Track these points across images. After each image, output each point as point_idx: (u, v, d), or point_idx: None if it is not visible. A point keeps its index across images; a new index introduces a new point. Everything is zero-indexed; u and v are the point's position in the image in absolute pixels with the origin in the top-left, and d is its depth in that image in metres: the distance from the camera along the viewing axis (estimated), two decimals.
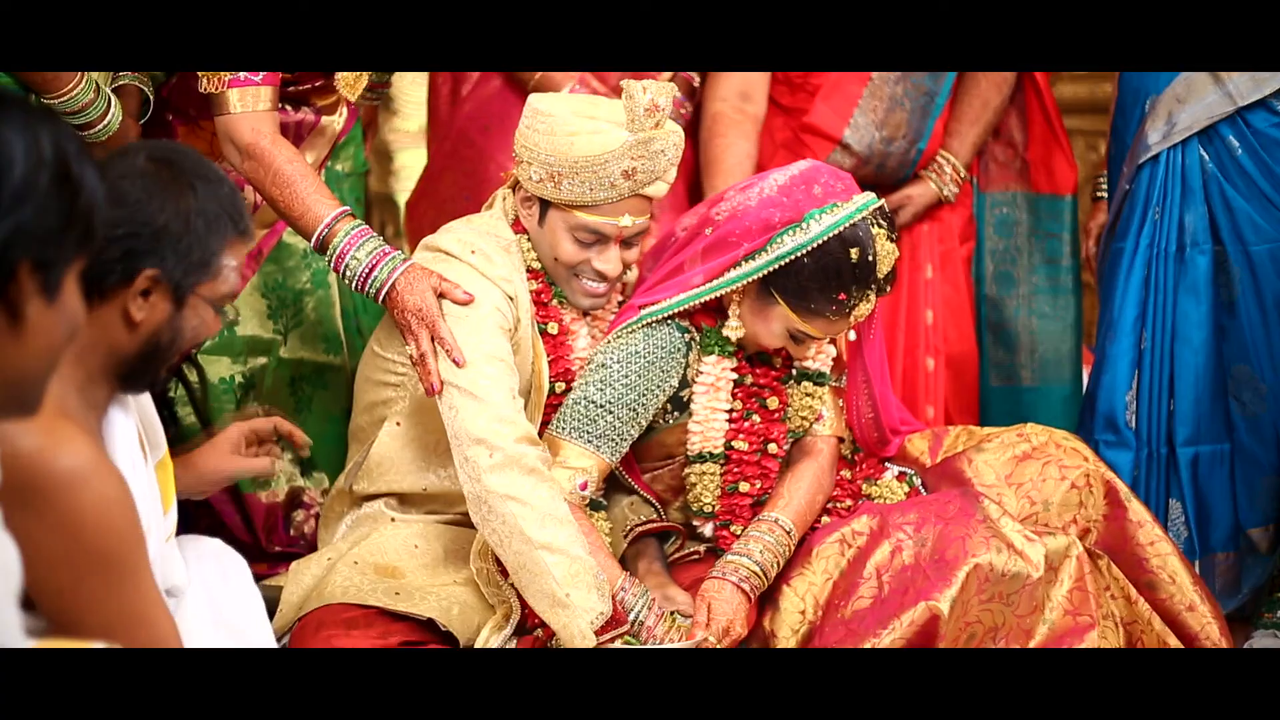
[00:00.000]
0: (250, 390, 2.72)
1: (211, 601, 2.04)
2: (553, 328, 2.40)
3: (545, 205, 2.34)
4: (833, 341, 2.53)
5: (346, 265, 2.31)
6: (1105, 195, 3.12)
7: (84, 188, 1.26)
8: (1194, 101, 2.81)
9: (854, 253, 2.29)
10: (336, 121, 2.73)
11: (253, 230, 1.89)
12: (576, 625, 2.16)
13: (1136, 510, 2.44)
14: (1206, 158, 2.84)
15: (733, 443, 2.45)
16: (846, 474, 2.57)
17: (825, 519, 2.48)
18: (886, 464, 2.62)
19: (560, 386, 2.41)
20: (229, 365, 2.70)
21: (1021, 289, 3.27)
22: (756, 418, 2.46)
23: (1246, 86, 2.77)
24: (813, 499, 2.46)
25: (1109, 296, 2.95)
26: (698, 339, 2.43)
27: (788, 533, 2.39)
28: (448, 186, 2.57)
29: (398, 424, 2.44)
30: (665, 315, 2.40)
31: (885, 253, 2.32)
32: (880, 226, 2.32)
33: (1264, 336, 2.86)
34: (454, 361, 2.25)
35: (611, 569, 2.29)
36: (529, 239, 2.41)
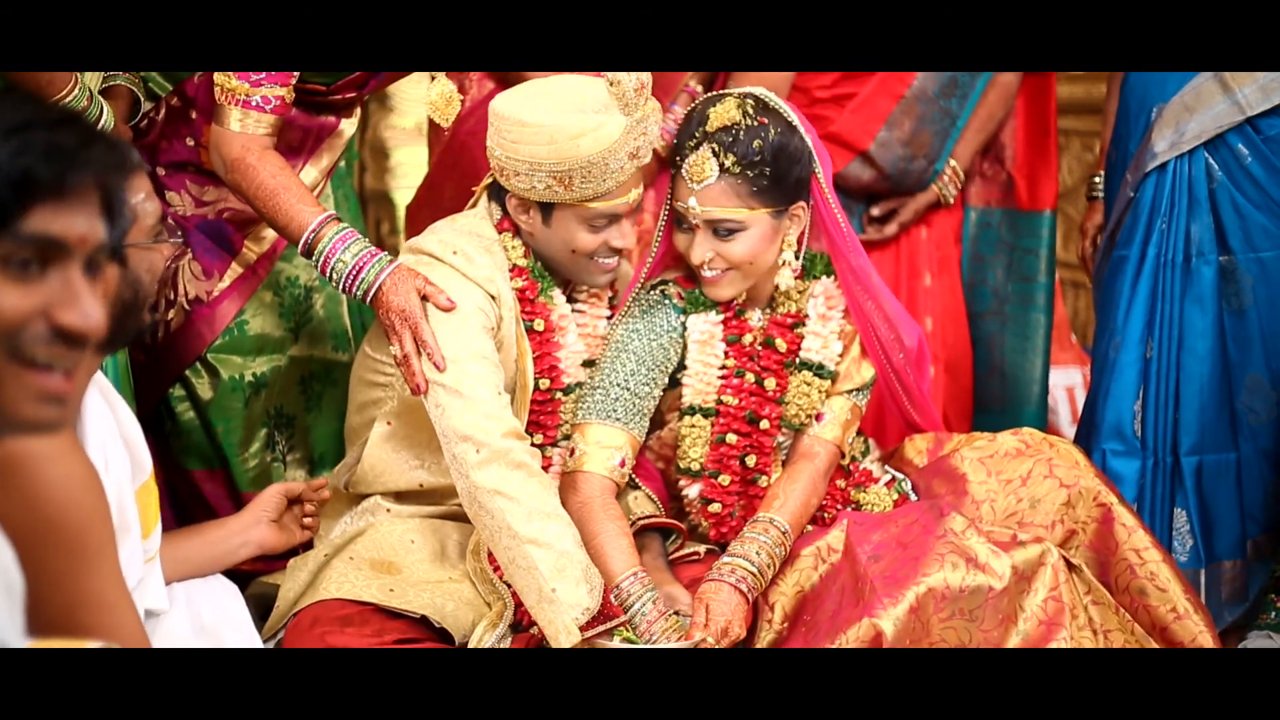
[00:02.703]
0: (261, 389, 2.73)
1: (193, 617, 2.04)
2: (539, 324, 2.42)
3: (549, 206, 2.35)
4: (844, 343, 2.55)
5: (333, 268, 2.33)
6: (1101, 195, 3.11)
7: None
8: (1203, 110, 2.80)
9: (696, 106, 2.42)
10: (352, 124, 2.74)
11: (140, 158, 1.84)
12: (561, 620, 2.17)
13: (1126, 517, 2.41)
14: (1215, 166, 2.83)
15: (723, 397, 2.49)
16: (841, 483, 2.57)
17: (809, 527, 2.49)
18: (885, 468, 2.63)
19: (545, 383, 2.43)
20: (239, 364, 2.70)
21: (995, 305, 3.27)
22: (750, 375, 2.50)
23: (1256, 97, 2.76)
24: (807, 501, 2.47)
25: (1112, 305, 2.93)
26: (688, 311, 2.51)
27: (783, 533, 2.40)
28: (449, 197, 2.60)
29: (388, 424, 2.46)
30: (657, 282, 2.52)
31: (721, 110, 2.38)
32: (745, 101, 2.39)
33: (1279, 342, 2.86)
34: (434, 364, 2.27)
35: (624, 559, 2.30)
36: (513, 237, 2.42)
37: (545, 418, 2.44)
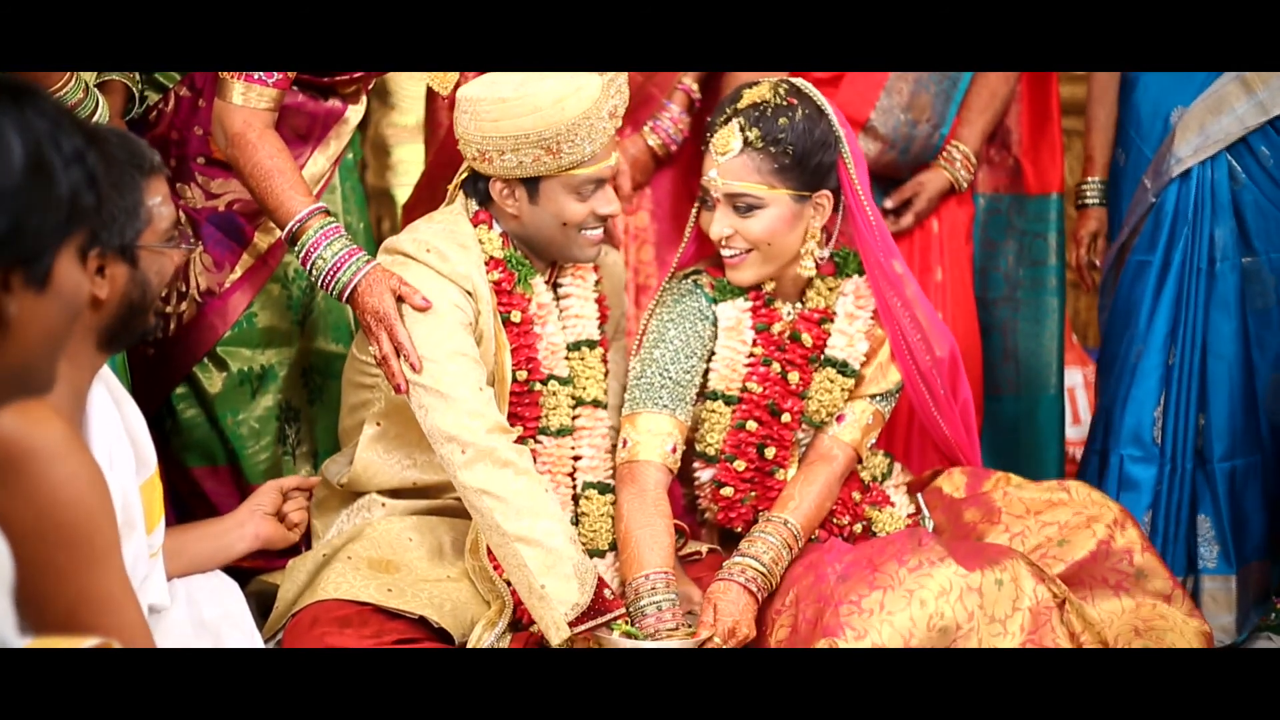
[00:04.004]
0: (268, 382, 2.74)
1: (193, 613, 2.04)
2: (515, 316, 2.42)
3: (534, 183, 2.36)
4: (870, 339, 2.55)
5: (313, 263, 2.34)
6: (1093, 203, 3.10)
7: (56, 174, 1.19)
8: (1225, 113, 2.81)
9: (735, 89, 2.50)
10: (359, 112, 2.75)
11: (161, 162, 1.87)
12: (551, 616, 2.19)
13: (1156, 582, 2.38)
14: (1238, 169, 2.84)
15: (748, 384, 2.51)
16: (856, 495, 2.56)
17: (817, 532, 2.48)
18: (916, 499, 2.62)
19: (523, 375, 2.42)
20: (248, 356, 2.70)
21: (1007, 291, 3.26)
22: (776, 366, 2.51)
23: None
24: (821, 505, 2.47)
25: (1134, 311, 2.93)
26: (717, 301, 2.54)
27: (795, 535, 2.40)
28: (444, 194, 2.60)
29: (377, 424, 2.46)
30: (689, 271, 2.58)
31: (755, 90, 2.45)
32: (780, 84, 2.46)
33: None
34: (410, 365, 2.27)
35: (661, 556, 2.32)
36: (488, 229, 2.43)
37: (524, 409, 2.43)
